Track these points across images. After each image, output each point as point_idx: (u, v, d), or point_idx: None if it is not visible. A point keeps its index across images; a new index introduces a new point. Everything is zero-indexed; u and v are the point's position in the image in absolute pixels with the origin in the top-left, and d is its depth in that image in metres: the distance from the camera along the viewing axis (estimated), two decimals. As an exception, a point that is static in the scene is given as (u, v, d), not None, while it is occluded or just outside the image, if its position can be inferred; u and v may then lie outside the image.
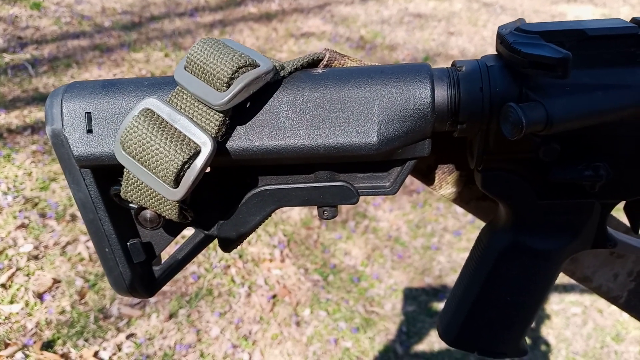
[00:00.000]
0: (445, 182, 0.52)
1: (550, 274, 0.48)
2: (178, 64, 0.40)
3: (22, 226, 2.15)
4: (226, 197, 0.46)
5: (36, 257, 2.04)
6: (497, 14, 4.87)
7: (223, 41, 0.40)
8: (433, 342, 1.91)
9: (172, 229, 0.47)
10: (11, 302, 1.86)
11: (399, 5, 4.90)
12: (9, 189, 2.31)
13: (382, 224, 2.43)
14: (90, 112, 0.41)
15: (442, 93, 0.40)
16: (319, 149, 0.40)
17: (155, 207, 0.41)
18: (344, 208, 2.40)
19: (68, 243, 2.12)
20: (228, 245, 0.47)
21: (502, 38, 0.39)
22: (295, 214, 2.38)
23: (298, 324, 1.95)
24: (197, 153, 0.38)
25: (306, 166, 0.44)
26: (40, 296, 1.90)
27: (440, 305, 2.05)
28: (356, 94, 0.40)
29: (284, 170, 0.45)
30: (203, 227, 0.47)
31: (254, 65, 0.38)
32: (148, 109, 0.39)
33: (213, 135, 0.39)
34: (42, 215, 2.21)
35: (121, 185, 0.41)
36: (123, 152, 0.39)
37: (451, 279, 2.17)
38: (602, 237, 0.46)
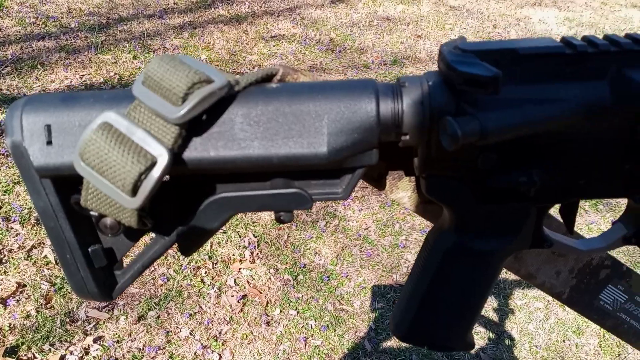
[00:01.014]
0: (396, 187, 0.55)
1: (492, 272, 0.51)
2: (136, 79, 0.42)
3: (-15, 230, 2.10)
4: (184, 204, 0.47)
5: (0, 262, 2.00)
6: (464, 18, 4.97)
7: (179, 58, 0.41)
8: (401, 338, 1.94)
9: (133, 234, 0.48)
10: (-26, 308, 1.82)
11: (369, 8, 4.96)
12: (-29, 192, 2.26)
13: (352, 224, 2.46)
14: (50, 125, 0.42)
15: (386, 107, 0.42)
16: (272, 159, 0.42)
17: (115, 214, 0.42)
18: (314, 208, 2.42)
19: (33, 247, 2.08)
20: (187, 249, 0.48)
21: (442, 55, 0.41)
22: (266, 214, 2.39)
23: (268, 323, 1.96)
24: (153, 164, 0.39)
25: (262, 174, 0.46)
26: (4, 302, 1.87)
27: (408, 302, 2.09)
28: (307, 107, 0.42)
29: (241, 178, 0.47)
30: (163, 233, 0.48)
31: (209, 81, 0.40)
32: (106, 123, 0.40)
33: (169, 147, 0.40)
34: (6, 219, 2.16)
35: (81, 194, 0.42)
36: (82, 163, 0.40)
37: (419, 277, 2.21)
38: (539, 238, 0.50)
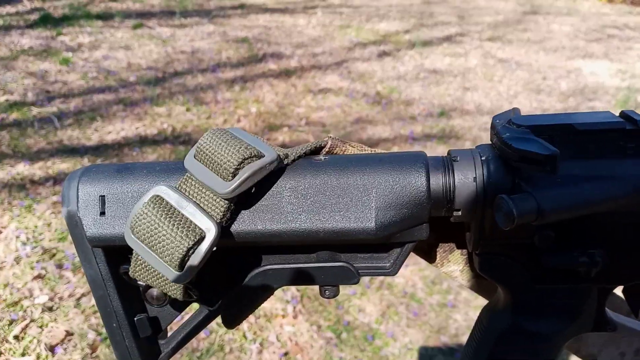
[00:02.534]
0: (447, 260, 0.53)
1: (550, 356, 0.47)
2: (189, 152, 0.42)
3: (39, 277, 2.17)
4: (230, 275, 0.47)
5: (50, 309, 2.05)
6: (513, 70, 4.95)
7: (231, 131, 0.42)
8: (449, 405, 1.84)
9: (178, 305, 0.49)
10: (23, 355, 1.86)
11: (415, 61, 5.02)
12: (28, 239, 2.35)
13: (398, 280, 2.40)
14: (104, 196, 0.43)
15: (437, 182, 0.41)
16: (319, 233, 0.42)
17: (161, 287, 0.43)
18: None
19: (83, 295, 2.12)
20: (231, 322, 0.48)
21: (495, 130, 0.40)
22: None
23: (310, 383, 1.90)
24: (201, 239, 0.40)
25: (308, 246, 0.46)
26: (52, 349, 1.90)
27: (457, 367, 1.99)
28: (355, 181, 0.42)
29: (287, 250, 0.46)
30: (207, 304, 0.48)
31: (259, 156, 0.41)
32: (158, 196, 0.41)
33: (218, 221, 0.41)
34: (59, 266, 2.23)
35: (130, 264, 0.43)
36: (132, 236, 0.41)
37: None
38: (601, 320, 0.46)
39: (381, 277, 2.40)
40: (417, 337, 2.12)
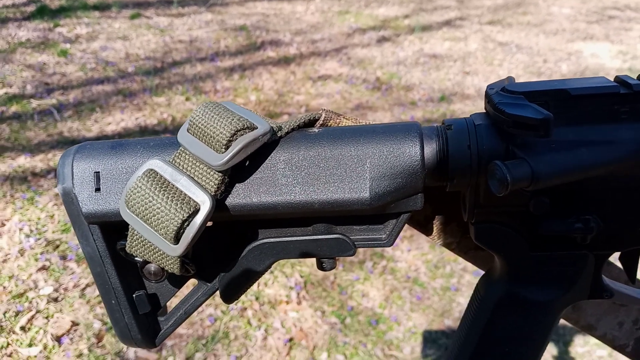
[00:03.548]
0: (443, 233, 0.53)
1: (547, 324, 0.47)
2: (182, 126, 0.42)
3: (43, 268, 2.18)
4: (227, 250, 0.47)
5: (56, 300, 2.06)
6: (513, 53, 4.92)
7: (224, 105, 0.42)
8: (454, 388, 1.85)
9: (177, 281, 0.49)
10: (30, 345, 1.87)
11: (415, 46, 4.99)
12: (31, 231, 2.36)
13: (401, 265, 2.41)
14: (99, 172, 0.43)
15: (431, 151, 0.41)
16: (314, 204, 0.42)
17: (159, 261, 0.43)
18: (361, 249, 2.38)
19: (87, 285, 2.13)
20: (229, 296, 0.48)
21: (488, 98, 0.40)
22: (313, 254, 2.37)
23: (315, 368, 1.92)
24: (196, 211, 0.40)
25: (304, 219, 0.46)
26: (58, 339, 1.91)
27: (461, 349, 2.00)
28: (349, 151, 0.42)
29: (283, 223, 0.46)
30: (205, 279, 0.48)
31: (252, 128, 0.40)
32: (151, 170, 0.41)
33: (212, 194, 0.40)
34: (63, 257, 2.24)
35: (126, 240, 0.43)
36: (128, 211, 0.41)
37: (472, 322, 2.12)
38: (598, 287, 0.47)
39: (384, 262, 2.40)
40: (421, 320, 2.13)
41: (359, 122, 0.48)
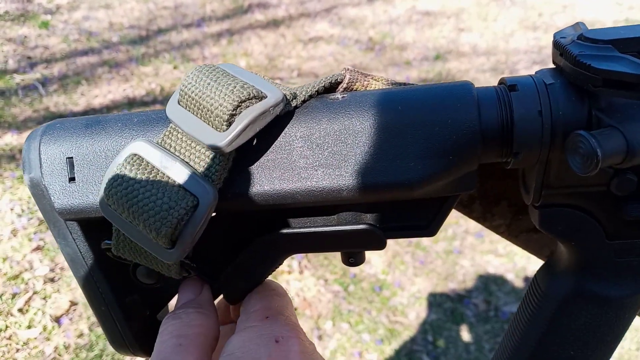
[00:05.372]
0: (490, 214, 0.45)
1: (622, 324, 0.41)
2: (171, 97, 0.34)
3: (38, 248, 2.12)
4: (233, 243, 0.40)
5: (52, 280, 2.02)
6: (507, 7, 4.78)
7: (222, 67, 0.33)
8: (461, 350, 1.85)
9: (176, 280, 0.42)
10: (29, 327, 1.84)
11: (407, 3, 4.84)
12: (23, 210, 2.29)
13: (402, 229, 2.37)
14: (72, 157, 0.35)
15: (490, 119, 0.33)
16: (341, 191, 0.34)
17: (152, 265, 0.36)
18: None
19: (84, 264, 2.09)
20: (235, 297, 0.41)
21: (562, 49, 0.32)
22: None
23: (320, 337, 1.90)
24: (194, 206, 0.32)
25: (327, 207, 0.38)
26: (57, 320, 1.87)
27: (466, 312, 1.99)
28: (384, 123, 0.33)
29: (301, 212, 0.38)
30: (209, 277, 0.40)
31: (260, 97, 0.32)
32: (135, 155, 0.33)
33: (213, 183, 0.33)
34: (57, 236, 2.18)
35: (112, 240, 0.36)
36: (109, 207, 0.33)
37: (475, 284, 2.10)
38: None
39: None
40: (424, 285, 2.11)
41: (391, 83, 0.39)
